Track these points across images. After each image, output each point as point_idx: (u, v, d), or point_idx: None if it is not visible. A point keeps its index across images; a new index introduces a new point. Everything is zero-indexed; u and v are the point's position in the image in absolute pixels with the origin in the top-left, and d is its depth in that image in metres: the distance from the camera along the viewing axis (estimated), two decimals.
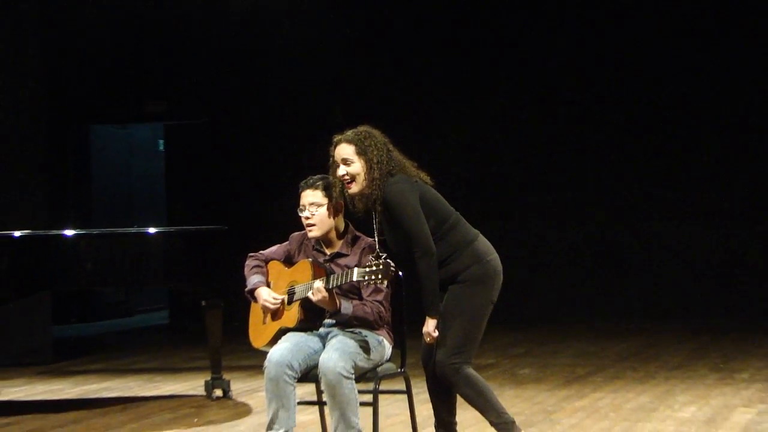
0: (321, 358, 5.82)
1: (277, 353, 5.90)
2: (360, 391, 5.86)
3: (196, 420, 7.93)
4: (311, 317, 6.04)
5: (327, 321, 6.10)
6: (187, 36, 14.78)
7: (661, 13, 13.49)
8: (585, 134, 13.75)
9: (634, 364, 9.97)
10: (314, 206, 6.06)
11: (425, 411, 6.92)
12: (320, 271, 5.98)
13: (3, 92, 11.83)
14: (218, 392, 8.75)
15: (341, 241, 6.16)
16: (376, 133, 6.00)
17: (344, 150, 5.95)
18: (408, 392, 6.34)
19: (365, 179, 5.89)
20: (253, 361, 9.33)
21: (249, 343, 6.30)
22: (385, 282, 5.73)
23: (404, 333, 6.30)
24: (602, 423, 7.38)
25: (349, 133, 6.00)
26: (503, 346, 11.15)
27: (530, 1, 13.90)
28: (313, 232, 6.10)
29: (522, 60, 13.82)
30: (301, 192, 6.14)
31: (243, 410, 8.26)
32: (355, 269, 5.69)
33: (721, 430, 7.06)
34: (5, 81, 11.85)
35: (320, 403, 6.47)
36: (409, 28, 14.08)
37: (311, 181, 6.14)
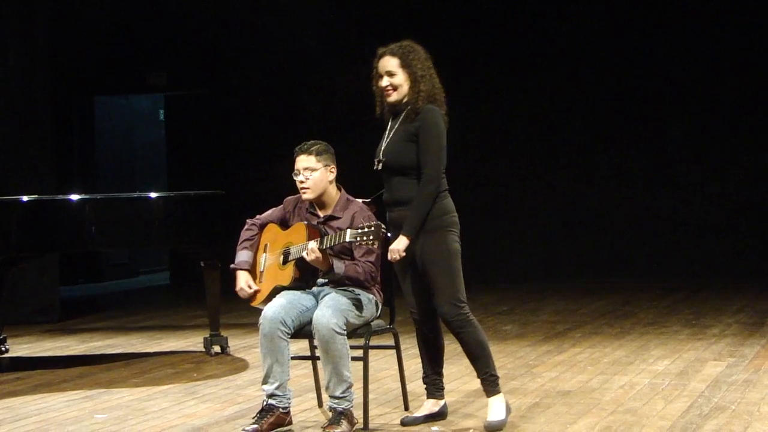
0: (315, 315, 5.81)
1: (271, 310, 5.89)
2: (351, 347, 5.84)
3: (195, 374, 7.92)
4: (305, 276, 6.02)
5: (320, 280, 6.08)
6: (186, 10, 14.69)
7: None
8: (564, 98, 13.70)
9: (611, 320, 9.97)
10: (308, 171, 6.03)
11: (413, 365, 6.92)
12: (314, 232, 5.95)
13: (11, 66, 11.76)
14: (217, 348, 8.73)
15: (334, 204, 6.12)
16: (419, 48, 5.89)
17: (388, 62, 5.85)
18: (396, 347, 6.34)
19: (408, 91, 5.81)
20: (250, 318, 9.32)
21: (246, 302, 6.29)
22: (377, 243, 5.70)
23: (393, 291, 6.29)
24: (581, 376, 7.37)
25: (394, 45, 5.89)
26: (487, 305, 11.15)
27: None
28: (307, 195, 6.07)
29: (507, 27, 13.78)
30: (296, 157, 6.10)
31: (240, 365, 8.25)
32: (348, 231, 5.67)
33: (693, 381, 7.07)
34: (13, 55, 11.78)
35: (313, 358, 6.47)
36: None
37: (305, 146, 6.11)
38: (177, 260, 14.93)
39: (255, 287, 6.14)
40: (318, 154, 6.06)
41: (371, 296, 6.02)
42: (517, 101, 13.77)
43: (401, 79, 5.82)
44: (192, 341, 9.46)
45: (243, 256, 6.23)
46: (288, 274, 6.01)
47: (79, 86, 15.33)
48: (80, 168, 15.67)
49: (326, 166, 6.07)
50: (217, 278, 8.67)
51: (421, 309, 5.99)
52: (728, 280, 12.45)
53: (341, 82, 13.67)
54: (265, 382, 5.94)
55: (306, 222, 6.06)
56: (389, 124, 5.96)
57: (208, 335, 8.77)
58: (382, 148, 5.90)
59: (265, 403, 5.96)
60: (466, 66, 13.51)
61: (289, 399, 6.00)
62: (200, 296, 9.15)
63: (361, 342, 5.97)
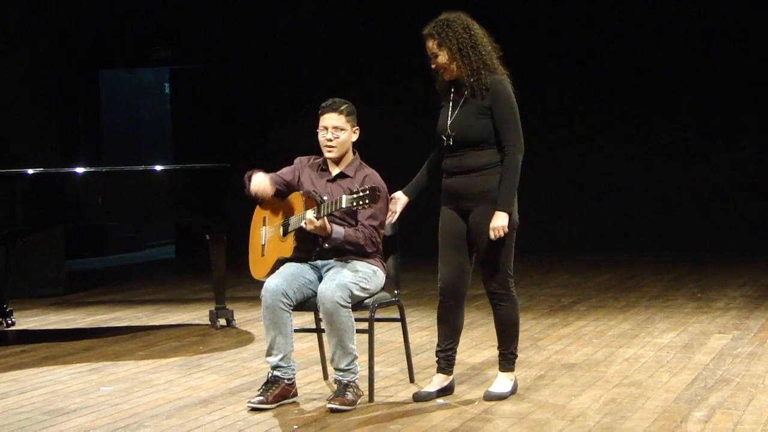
0: (320, 288, 5.81)
1: (273, 283, 5.90)
2: (356, 319, 5.85)
3: (201, 347, 7.93)
4: (306, 245, 5.99)
5: (321, 263, 6.08)
6: None
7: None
8: (569, 72, 13.66)
9: (616, 294, 9.97)
10: (337, 130, 6.04)
11: (417, 338, 6.94)
12: (311, 202, 5.95)
13: (18, 41, 11.76)
14: (222, 321, 8.75)
15: (347, 164, 6.12)
16: (454, 18, 5.83)
17: (430, 44, 5.84)
18: (402, 320, 6.34)
19: (458, 65, 5.78)
20: (255, 292, 9.26)
21: (251, 275, 6.29)
22: (373, 206, 5.70)
23: (399, 263, 6.29)
24: (586, 348, 7.38)
25: (430, 24, 5.85)
26: None
27: None
28: (332, 154, 6.07)
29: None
30: (323, 113, 6.08)
31: (246, 338, 8.26)
32: (344, 197, 5.69)
33: (698, 354, 7.07)
34: (20, 30, 11.77)
35: (318, 331, 6.47)
36: None
37: (336, 104, 6.09)
38: (182, 233, 14.93)
39: (272, 187, 6.10)
40: (348, 114, 6.07)
41: (375, 268, 6.02)
42: (522, 75, 13.71)
43: (444, 58, 5.80)
44: (198, 314, 9.48)
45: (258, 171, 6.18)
46: (289, 245, 6.01)
47: (85, 60, 15.31)
48: (86, 141, 15.67)
49: (353, 126, 6.09)
50: (222, 251, 8.68)
51: (454, 280, 5.94)
52: (734, 253, 12.44)
53: (346, 57, 13.65)
54: (269, 354, 5.95)
55: (302, 191, 6.05)
56: (450, 96, 5.90)
57: (213, 308, 8.78)
58: (449, 122, 5.85)
59: (270, 375, 5.98)
60: None
61: (294, 370, 6.01)
62: (206, 269, 9.17)
63: (366, 315, 5.97)
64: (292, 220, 6.00)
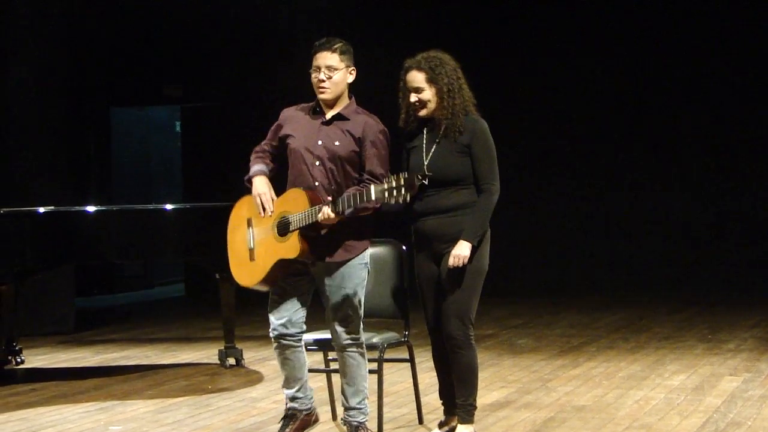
0: (331, 332, 5.71)
1: (275, 321, 5.72)
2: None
3: (210, 386, 7.92)
4: (315, 248, 5.57)
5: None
6: (202, 22, 14.72)
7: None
8: (579, 111, 13.67)
9: (626, 334, 9.94)
10: (331, 69, 5.65)
11: (427, 378, 6.91)
12: (316, 197, 5.52)
13: (30, 78, 11.82)
14: (231, 360, 8.73)
15: (344, 105, 5.73)
16: (446, 58, 5.75)
17: (415, 78, 5.69)
18: (411, 360, 6.33)
19: (435, 105, 5.68)
20: (264, 331, 9.20)
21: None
22: (409, 195, 5.20)
23: (408, 304, 6.26)
24: (596, 390, 7.35)
25: (420, 58, 5.73)
26: (502, 318, 11.13)
27: None
28: (326, 95, 5.68)
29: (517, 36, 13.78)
30: (316, 53, 5.72)
31: (255, 377, 8.24)
32: (372, 188, 5.26)
33: (708, 396, 7.04)
34: (32, 67, 11.83)
35: (328, 371, 6.45)
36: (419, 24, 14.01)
37: (328, 42, 5.71)
38: (192, 272, 14.92)
39: (274, 196, 5.67)
40: (342, 53, 5.68)
41: (366, 261, 5.70)
42: (531, 113, 13.75)
43: (429, 95, 5.69)
44: (207, 353, 9.46)
45: (257, 166, 5.81)
46: (294, 245, 5.52)
47: (97, 98, 15.37)
48: (97, 179, 15.70)
49: (347, 66, 5.70)
50: (232, 290, 8.66)
51: (437, 321, 5.85)
52: (744, 294, 12.40)
53: (357, 96, 13.68)
54: (285, 385, 5.85)
55: (303, 187, 5.60)
56: (424, 137, 5.76)
57: (222, 347, 8.77)
58: (425, 162, 5.68)
59: (287, 407, 5.88)
60: (479, 75, 13.50)
61: (311, 399, 5.91)
62: (215, 308, 9.16)
63: (375, 355, 5.95)
64: (294, 217, 5.51)
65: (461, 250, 5.59)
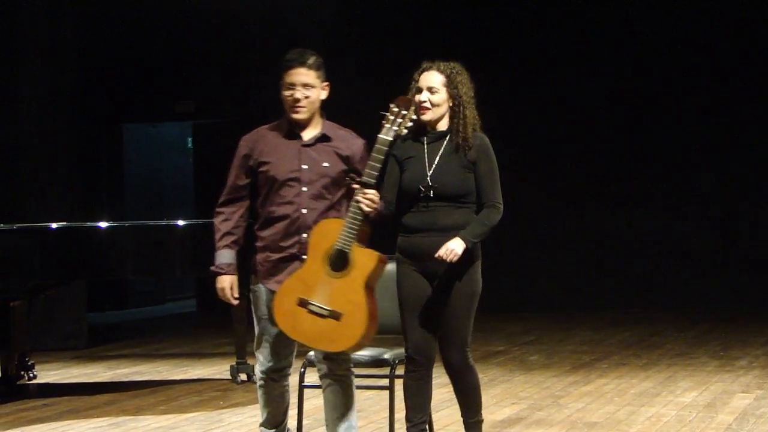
0: (322, 369, 5.35)
1: (264, 357, 5.39)
2: (376, 376, 5.82)
3: (222, 402, 7.92)
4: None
5: None
6: (214, 38, 14.78)
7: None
8: (591, 126, 13.67)
9: (638, 351, 9.92)
10: (308, 87, 5.27)
11: (439, 395, 6.90)
12: (330, 218, 5.18)
13: (42, 95, 11.87)
14: (243, 376, 8.73)
15: (320, 126, 5.37)
16: (466, 73, 5.54)
17: (432, 77, 5.45)
18: None
19: (445, 113, 5.47)
20: None
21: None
22: (413, 114, 5.12)
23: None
24: (607, 407, 7.34)
25: (441, 62, 5.52)
26: (513, 334, 11.10)
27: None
28: (301, 115, 5.31)
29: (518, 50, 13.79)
30: (290, 68, 5.31)
31: None
32: (380, 134, 5.07)
33: (720, 414, 7.02)
34: (45, 84, 11.88)
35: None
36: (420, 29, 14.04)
37: (304, 57, 5.30)
38: (203, 287, 14.92)
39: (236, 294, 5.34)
40: (317, 69, 5.28)
41: None
42: (544, 128, 13.77)
43: (441, 98, 5.43)
44: (218, 369, 9.47)
45: (225, 256, 5.36)
46: (363, 257, 5.07)
47: (108, 114, 15.43)
48: (109, 195, 15.75)
49: (322, 83, 5.33)
50: (243, 306, 8.65)
51: (424, 346, 5.45)
52: (756, 310, 12.37)
53: (366, 110, 13.69)
54: (266, 425, 5.53)
55: (331, 218, 5.20)
56: (425, 148, 5.47)
57: (234, 363, 8.78)
58: (429, 173, 5.41)
59: None
60: (489, 90, 13.52)
61: None
62: (227, 324, 9.15)
63: (386, 371, 5.86)
64: (340, 239, 5.06)
65: (455, 246, 5.27)
